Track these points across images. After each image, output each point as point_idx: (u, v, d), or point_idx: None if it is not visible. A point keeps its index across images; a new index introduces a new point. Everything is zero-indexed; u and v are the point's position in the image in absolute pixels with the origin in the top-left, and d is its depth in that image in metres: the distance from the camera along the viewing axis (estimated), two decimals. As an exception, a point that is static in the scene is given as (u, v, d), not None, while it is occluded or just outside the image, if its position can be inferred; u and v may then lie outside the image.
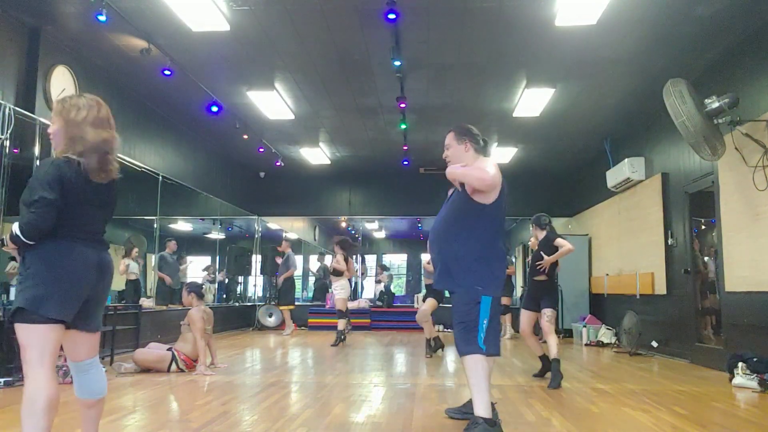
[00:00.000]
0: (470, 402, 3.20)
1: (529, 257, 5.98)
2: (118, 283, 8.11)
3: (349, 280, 9.40)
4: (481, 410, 2.92)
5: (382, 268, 13.60)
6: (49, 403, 2.12)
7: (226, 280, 12.16)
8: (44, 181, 2.19)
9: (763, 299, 5.09)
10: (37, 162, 5.38)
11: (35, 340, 2.16)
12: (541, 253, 5.35)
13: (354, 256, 9.28)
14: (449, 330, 9.69)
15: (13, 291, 5.25)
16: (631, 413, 3.77)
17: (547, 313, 5.23)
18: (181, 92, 7.26)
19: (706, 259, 6.82)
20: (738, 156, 5.32)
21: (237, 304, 11.81)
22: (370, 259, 17.44)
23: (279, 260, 10.41)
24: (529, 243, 5.70)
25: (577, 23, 5.38)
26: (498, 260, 3.17)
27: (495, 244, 3.15)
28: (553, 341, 5.06)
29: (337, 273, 8.34)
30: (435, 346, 6.84)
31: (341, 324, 8.15)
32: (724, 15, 5.19)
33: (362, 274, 14.34)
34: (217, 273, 11.79)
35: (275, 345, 8.27)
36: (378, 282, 13.37)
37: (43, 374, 2.13)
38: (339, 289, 8.35)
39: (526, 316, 5.35)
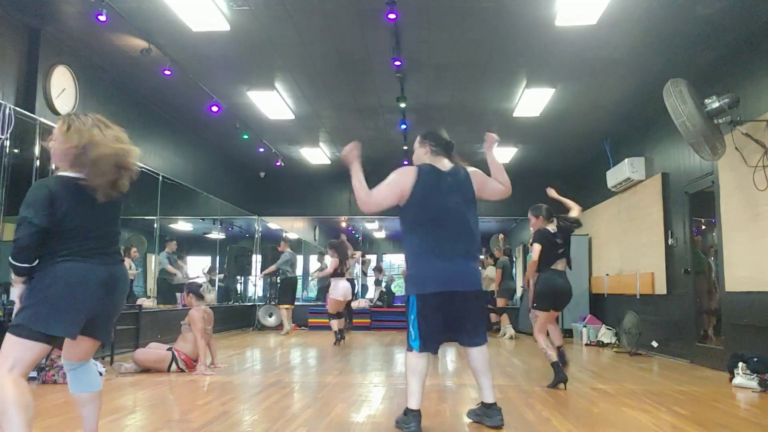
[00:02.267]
0: (481, 404, 3.37)
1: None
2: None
3: (351, 282, 9.38)
4: (410, 403, 3.18)
5: (379, 270, 13.58)
6: (18, 402, 2.10)
7: (224, 284, 12.11)
8: (29, 202, 2.20)
9: (763, 299, 5.09)
10: (37, 162, 5.38)
11: (16, 352, 2.17)
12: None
13: (349, 253, 9.26)
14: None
15: (13, 291, 5.24)
16: (631, 413, 3.77)
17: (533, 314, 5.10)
18: (181, 92, 7.26)
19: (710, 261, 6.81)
20: (738, 156, 5.31)
21: (237, 304, 11.81)
22: (371, 259, 17.40)
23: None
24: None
25: (577, 23, 5.38)
26: (428, 258, 3.25)
27: (425, 243, 3.27)
28: (542, 341, 4.89)
29: (333, 274, 8.41)
30: None
31: (334, 324, 8.16)
32: (724, 15, 5.19)
33: (364, 263, 14.31)
34: (217, 276, 11.74)
35: (275, 345, 8.27)
36: (377, 283, 13.35)
37: (10, 379, 2.13)
38: (331, 289, 8.39)
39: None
